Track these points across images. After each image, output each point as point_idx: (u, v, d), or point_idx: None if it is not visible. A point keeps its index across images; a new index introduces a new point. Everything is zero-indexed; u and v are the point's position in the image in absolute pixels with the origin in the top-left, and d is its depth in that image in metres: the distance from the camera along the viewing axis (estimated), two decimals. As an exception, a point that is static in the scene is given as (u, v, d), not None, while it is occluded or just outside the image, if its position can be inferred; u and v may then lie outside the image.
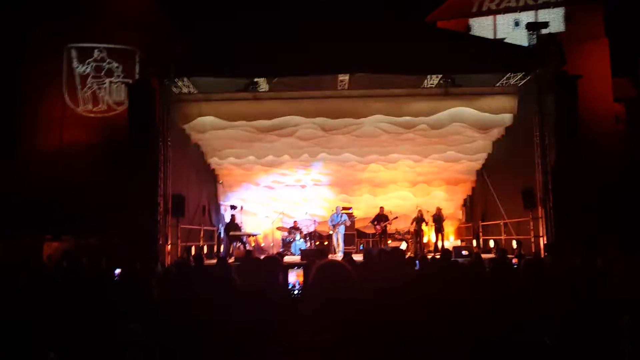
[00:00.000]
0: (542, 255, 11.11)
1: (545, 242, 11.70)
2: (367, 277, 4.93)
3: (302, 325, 2.27)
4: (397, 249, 12.51)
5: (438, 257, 9.96)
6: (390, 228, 15.54)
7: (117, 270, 6.55)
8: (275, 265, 4.69)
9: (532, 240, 12.29)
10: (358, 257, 9.17)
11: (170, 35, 15.63)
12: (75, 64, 16.72)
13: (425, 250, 14.68)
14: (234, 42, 12.78)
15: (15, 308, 4.39)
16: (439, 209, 15.34)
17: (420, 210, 15.22)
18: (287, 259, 12.88)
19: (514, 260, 7.96)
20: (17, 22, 16.23)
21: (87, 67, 16.72)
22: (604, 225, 11.47)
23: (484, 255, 10.74)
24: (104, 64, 16.79)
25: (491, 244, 15.12)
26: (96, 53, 16.78)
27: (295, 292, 4.41)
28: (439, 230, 15.17)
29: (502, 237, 14.25)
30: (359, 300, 2.30)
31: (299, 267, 4.70)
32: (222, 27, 19.11)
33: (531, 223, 12.40)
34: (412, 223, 15.28)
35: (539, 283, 4.57)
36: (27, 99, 16.44)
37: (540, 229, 11.96)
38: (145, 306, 4.40)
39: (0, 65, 15.92)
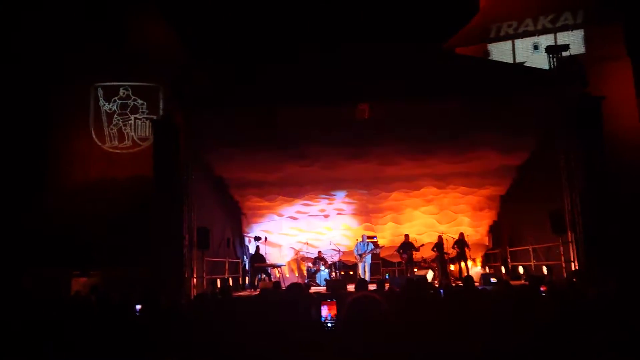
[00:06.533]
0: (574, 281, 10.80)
1: (577, 267, 11.38)
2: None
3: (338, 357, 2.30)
4: (421, 277, 12.31)
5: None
6: (417, 256, 15.26)
7: (138, 306, 6.55)
8: (306, 296, 4.67)
9: (563, 265, 11.97)
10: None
11: (192, 70, 15.98)
12: (101, 102, 17.22)
13: (452, 278, 14.41)
14: (254, 73, 12.99)
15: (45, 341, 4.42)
16: (461, 235, 15.00)
17: (439, 237, 14.97)
18: (313, 289, 12.78)
19: (542, 288, 7.71)
20: (46, 62, 16.80)
21: (113, 105, 17.20)
22: (636, 249, 11.11)
23: (513, 282, 10.49)
24: (129, 101, 17.25)
25: (520, 270, 14.74)
26: (121, 91, 17.27)
27: (329, 325, 4.37)
28: (462, 256, 14.77)
29: (532, 263, 13.92)
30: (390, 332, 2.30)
31: (331, 299, 4.65)
32: (242, 59, 19.51)
33: (561, 248, 12.10)
34: (432, 250, 15.00)
35: (568, 311, 4.43)
36: (55, 136, 16.92)
37: (571, 253, 11.65)
38: (184, 340, 4.40)
39: (30, 103, 16.46)
